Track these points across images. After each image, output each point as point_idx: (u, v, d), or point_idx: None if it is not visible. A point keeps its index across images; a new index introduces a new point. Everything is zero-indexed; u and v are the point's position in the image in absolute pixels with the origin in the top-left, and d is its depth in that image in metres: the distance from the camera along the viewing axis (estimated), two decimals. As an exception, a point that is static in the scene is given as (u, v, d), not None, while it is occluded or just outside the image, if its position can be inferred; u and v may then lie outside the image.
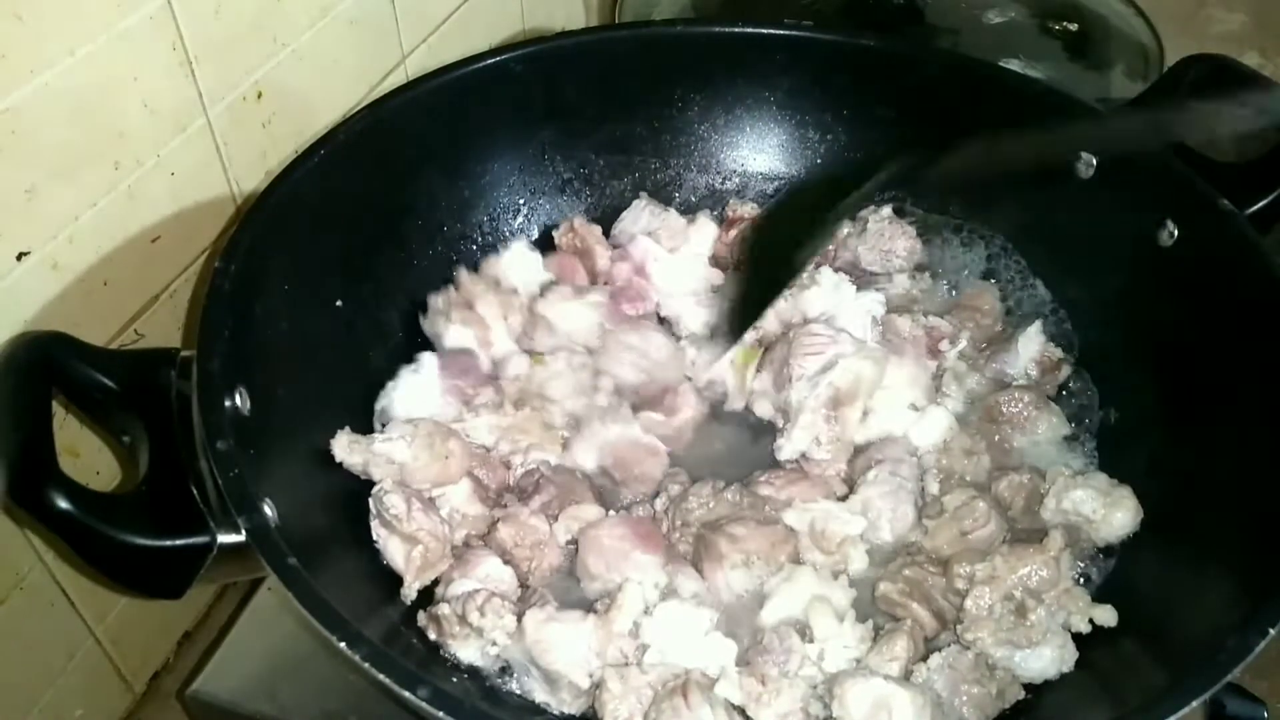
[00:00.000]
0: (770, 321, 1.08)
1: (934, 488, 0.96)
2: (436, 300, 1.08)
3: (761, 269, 1.02)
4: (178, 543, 0.73)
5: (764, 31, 1.17)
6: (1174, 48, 1.34)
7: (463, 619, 0.82)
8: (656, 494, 0.97)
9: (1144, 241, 0.99)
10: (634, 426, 0.99)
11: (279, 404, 0.86)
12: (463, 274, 1.10)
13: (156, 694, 1.09)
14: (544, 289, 1.10)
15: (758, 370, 1.04)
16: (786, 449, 0.98)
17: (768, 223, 1.12)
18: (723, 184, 1.25)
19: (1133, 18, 1.43)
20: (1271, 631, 0.68)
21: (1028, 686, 0.84)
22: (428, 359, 1.01)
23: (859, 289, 1.10)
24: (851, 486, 0.97)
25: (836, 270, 1.15)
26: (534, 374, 1.02)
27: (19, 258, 0.83)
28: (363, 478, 0.91)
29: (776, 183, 1.25)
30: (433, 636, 0.84)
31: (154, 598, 0.77)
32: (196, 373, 0.78)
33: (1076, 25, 1.42)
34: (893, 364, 1.03)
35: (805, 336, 1.01)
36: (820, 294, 1.09)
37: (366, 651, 0.65)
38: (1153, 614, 0.85)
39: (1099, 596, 0.88)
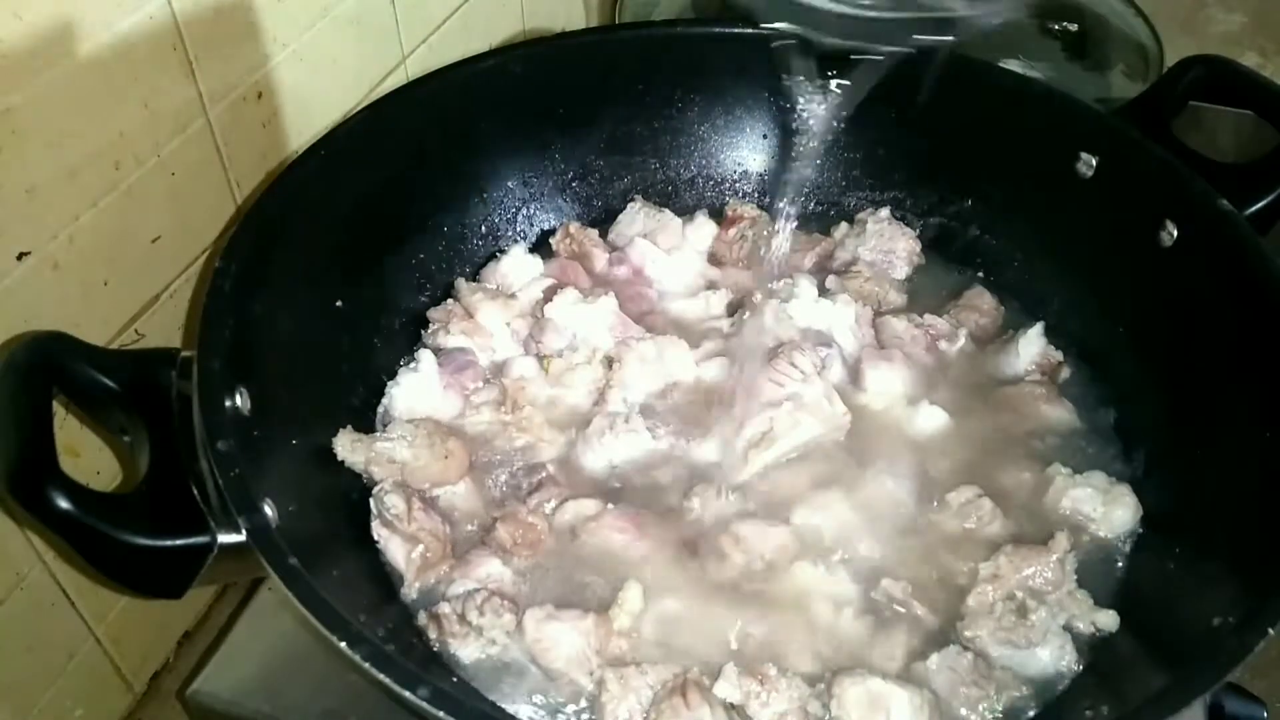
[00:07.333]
0: (764, 334, 1.08)
1: (935, 486, 0.96)
2: (436, 313, 1.08)
3: None
4: (178, 543, 0.73)
5: (764, 32, 1.17)
6: (1174, 48, 1.34)
7: (463, 618, 0.83)
8: (662, 495, 0.96)
9: (1144, 241, 0.99)
10: (644, 433, 0.99)
11: (279, 404, 0.85)
12: (461, 284, 1.10)
13: (156, 694, 1.08)
14: (548, 293, 1.09)
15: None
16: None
17: None
18: (722, 184, 1.25)
19: (1132, 18, 1.43)
20: (1271, 631, 0.68)
21: (1027, 687, 0.83)
22: (426, 358, 1.01)
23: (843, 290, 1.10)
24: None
25: (833, 273, 1.15)
26: (543, 379, 1.02)
27: (19, 258, 0.83)
28: (364, 477, 0.91)
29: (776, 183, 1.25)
30: (433, 636, 0.84)
31: (154, 598, 0.77)
32: (197, 373, 0.77)
33: (1076, 25, 1.42)
34: (886, 365, 1.03)
35: (783, 362, 1.00)
36: (800, 305, 1.09)
37: (366, 651, 0.65)
38: (1153, 614, 0.85)
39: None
